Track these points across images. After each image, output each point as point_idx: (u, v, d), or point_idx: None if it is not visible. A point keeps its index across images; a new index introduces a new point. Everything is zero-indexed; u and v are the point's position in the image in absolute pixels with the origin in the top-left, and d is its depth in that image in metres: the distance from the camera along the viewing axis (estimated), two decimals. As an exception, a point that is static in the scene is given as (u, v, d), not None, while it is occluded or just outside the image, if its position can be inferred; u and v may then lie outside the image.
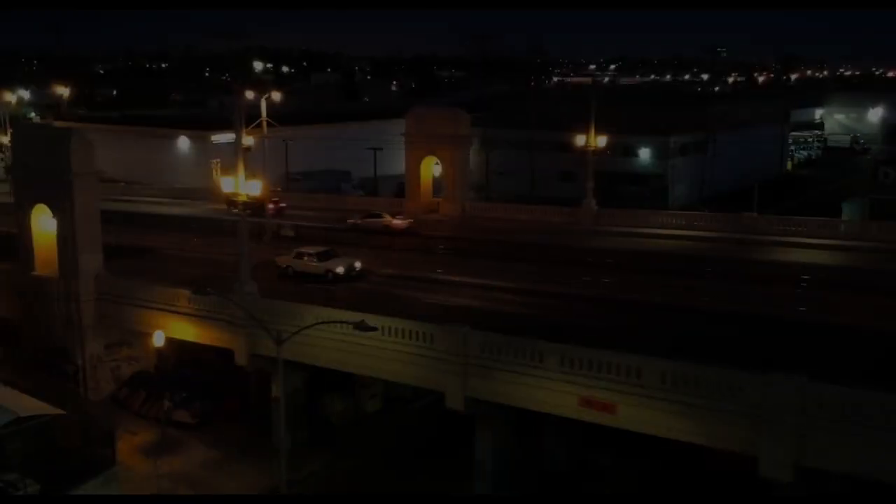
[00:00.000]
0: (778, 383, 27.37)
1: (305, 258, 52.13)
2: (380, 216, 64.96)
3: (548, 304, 45.35)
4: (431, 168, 72.70)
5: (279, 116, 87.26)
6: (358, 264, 52.13)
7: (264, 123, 62.37)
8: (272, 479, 39.97)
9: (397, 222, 63.92)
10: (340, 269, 51.24)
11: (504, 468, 37.07)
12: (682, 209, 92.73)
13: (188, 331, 43.88)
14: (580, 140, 65.00)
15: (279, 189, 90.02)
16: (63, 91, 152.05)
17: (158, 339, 43.05)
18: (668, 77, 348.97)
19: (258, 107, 72.90)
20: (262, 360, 41.12)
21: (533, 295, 46.94)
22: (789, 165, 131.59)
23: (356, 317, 37.00)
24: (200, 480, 40.06)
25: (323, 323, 34.26)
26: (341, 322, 33.48)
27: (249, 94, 72.84)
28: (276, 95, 63.93)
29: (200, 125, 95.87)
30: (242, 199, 39.46)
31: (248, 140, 69.33)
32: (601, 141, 65.65)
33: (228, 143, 79.16)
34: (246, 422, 45.47)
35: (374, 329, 29.98)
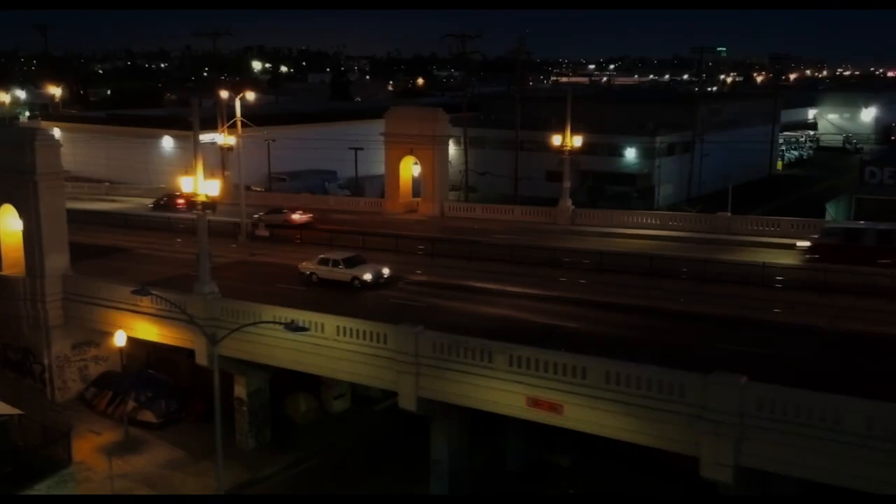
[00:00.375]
0: (717, 383, 27.33)
1: (331, 264, 50.22)
2: (281, 212, 68.53)
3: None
4: (411, 168, 72.73)
5: (265, 116, 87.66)
6: (386, 271, 50.19)
7: (238, 123, 62.28)
8: (233, 479, 40.37)
9: (295, 217, 66.95)
10: (368, 277, 49.13)
11: (461, 468, 37.10)
12: (669, 209, 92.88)
13: (151, 331, 43.91)
14: (556, 140, 64.78)
15: (260, 190, 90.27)
16: (55, 91, 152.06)
17: (120, 339, 43.08)
18: (667, 77, 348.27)
19: (249, 107, 73.14)
20: (223, 360, 40.99)
21: (591, 306, 43.95)
22: (779, 165, 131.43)
23: (313, 318, 37.38)
24: (160, 480, 40.06)
25: (256, 324, 34.28)
26: (273, 322, 33.41)
27: (224, 94, 72.87)
28: (251, 95, 63.73)
29: (186, 125, 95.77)
30: (202, 199, 39.38)
31: (229, 140, 69.59)
32: (578, 141, 65.29)
33: (212, 143, 79.30)
34: (211, 422, 45.42)
35: (304, 329, 29.97)
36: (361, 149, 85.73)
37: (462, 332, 34.95)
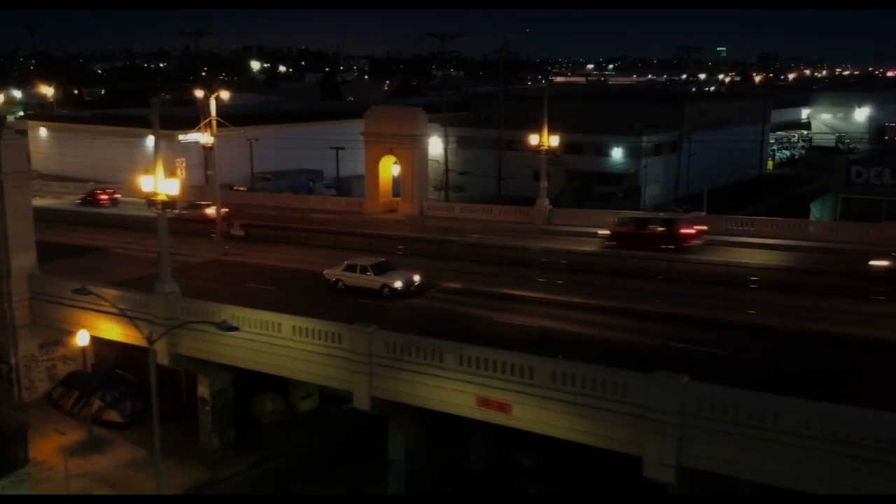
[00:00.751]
0: (659, 383, 27.22)
1: (358, 270, 47.82)
2: (197, 206, 69.66)
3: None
4: (390, 168, 72.63)
5: (251, 116, 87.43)
6: (417, 278, 47.80)
7: (214, 123, 62.19)
8: (194, 479, 40.32)
9: (210, 212, 66.45)
10: (398, 284, 46.67)
11: (418, 468, 37.01)
12: (656, 209, 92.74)
13: (114, 330, 43.79)
14: (534, 139, 64.66)
15: (243, 189, 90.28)
16: (47, 90, 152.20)
17: (83, 339, 42.98)
18: (665, 77, 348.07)
19: (237, 106, 73.09)
20: (184, 359, 41.10)
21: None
22: (770, 165, 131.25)
23: (270, 318, 37.32)
24: (120, 480, 39.93)
25: (187, 324, 34.37)
26: (207, 322, 33.38)
27: (199, 94, 72.82)
28: (225, 95, 63.63)
29: (172, 124, 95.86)
30: (162, 198, 39.24)
31: (211, 139, 69.56)
32: (555, 140, 65.16)
33: (195, 142, 79.36)
34: (178, 422, 45.44)
35: (235, 329, 29.87)
36: (343, 148, 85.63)
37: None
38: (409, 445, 36.39)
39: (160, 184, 38.71)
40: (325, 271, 49.46)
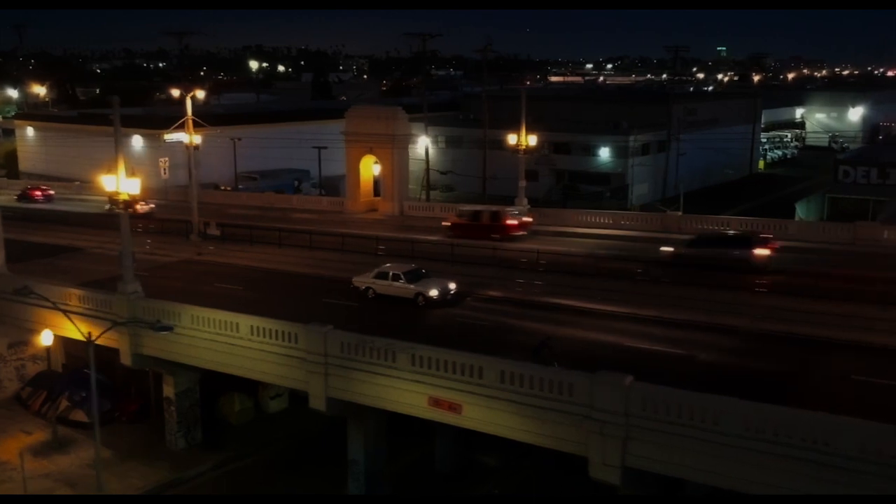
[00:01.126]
0: (603, 382, 27.08)
1: (390, 278, 45.62)
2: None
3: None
4: (371, 167, 72.53)
5: (236, 116, 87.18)
6: (453, 286, 45.56)
7: (189, 122, 62.10)
8: (156, 479, 40.23)
9: (138, 207, 66.41)
10: (434, 293, 44.37)
11: (378, 469, 36.90)
12: (643, 208, 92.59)
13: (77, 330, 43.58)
14: (511, 139, 64.61)
15: (227, 189, 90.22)
16: (40, 90, 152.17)
17: (46, 339, 42.89)
18: (664, 76, 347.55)
19: (231, 105, 73.04)
20: (147, 359, 41.01)
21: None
22: (761, 164, 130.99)
23: (227, 317, 37.20)
24: (82, 480, 39.79)
25: (125, 323, 34.10)
26: (141, 323, 33.32)
27: (175, 93, 72.82)
28: (200, 94, 63.53)
29: (160, 124, 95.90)
30: (124, 197, 39.21)
31: (196, 138, 69.44)
32: (533, 140, 65.23)
33: (180, 142, 79.16)
34: (145, 422, 45.39)
35: (168, 328, 29.78)
36: (325, 147, 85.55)
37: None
38: (369, 446, 36.29)
39: (122, 183, 38.70)
40: (354, 279, 46.90)
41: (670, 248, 50.82)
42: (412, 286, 44.86)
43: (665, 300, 43.48)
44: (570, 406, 27.82)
